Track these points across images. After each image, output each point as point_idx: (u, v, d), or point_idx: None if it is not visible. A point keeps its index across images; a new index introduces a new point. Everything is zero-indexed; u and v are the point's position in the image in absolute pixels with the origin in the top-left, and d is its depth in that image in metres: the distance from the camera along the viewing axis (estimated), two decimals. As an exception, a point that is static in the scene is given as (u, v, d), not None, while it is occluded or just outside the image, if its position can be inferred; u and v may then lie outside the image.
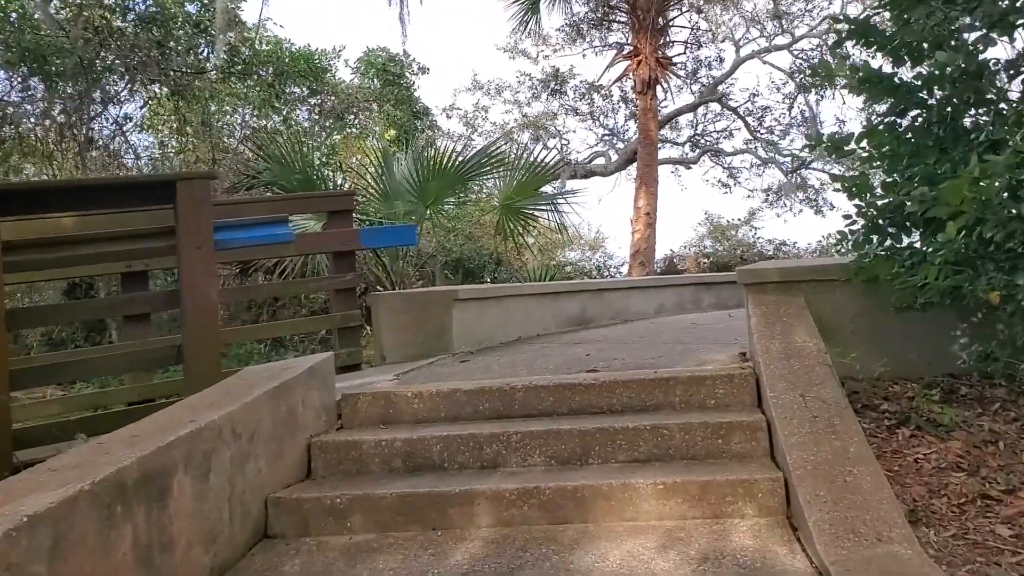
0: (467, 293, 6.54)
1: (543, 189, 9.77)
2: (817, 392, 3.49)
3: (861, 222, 4.12)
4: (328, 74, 13.63)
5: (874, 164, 4.19)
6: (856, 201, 4.11)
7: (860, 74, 4.11)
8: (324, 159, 10.23)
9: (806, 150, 3.92)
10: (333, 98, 14.83)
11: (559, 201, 9.39)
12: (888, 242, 4.11)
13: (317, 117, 14.18)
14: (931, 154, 4.01)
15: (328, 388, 4.08)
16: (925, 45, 4.09)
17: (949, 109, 4.08)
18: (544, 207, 9.24)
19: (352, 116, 15.13)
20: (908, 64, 4.18)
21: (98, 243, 4.73)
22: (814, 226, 19.82)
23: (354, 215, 8.93)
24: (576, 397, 3.94)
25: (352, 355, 5.80)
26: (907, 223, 4.05)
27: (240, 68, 7.93)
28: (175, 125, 10.22)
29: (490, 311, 7.06)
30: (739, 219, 23.42)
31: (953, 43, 4.03)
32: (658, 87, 13.64)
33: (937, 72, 4.01)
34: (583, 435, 3.58)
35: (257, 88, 8.86)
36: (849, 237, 4.17)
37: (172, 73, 8.51)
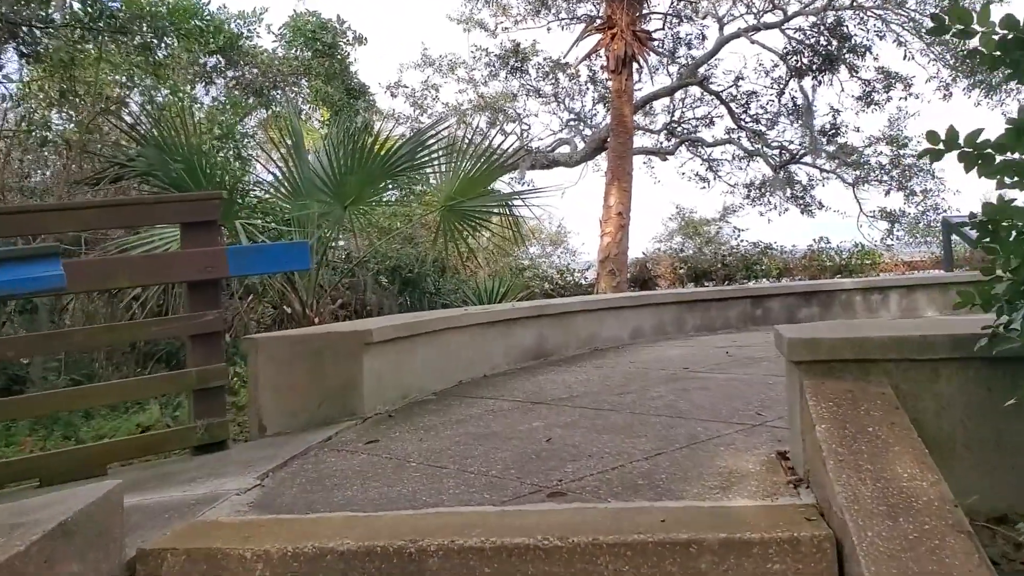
0: (386, 332, 4.97)
1: (497, 185, 8.19)
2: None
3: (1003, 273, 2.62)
4: (245, 40, 11.87)
5: None
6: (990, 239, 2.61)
7: None
8: (237, 144, 8.51)
9: (925, 157, 2.26)
10: (255, 71, 13.06)
11: (515, 203, 7.83)
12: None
13: (236, 93, 12.40)
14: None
15: (107, 548, 2.48)
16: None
17: None
18: (496, 209, 7.69)
19: (278, 93, 13.37)
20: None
21: None
22: (799, 226, 18.53)
23: (261, 218, 7.29)
24: (530, 570, 2.40)
25: (213, 429, 4.20)
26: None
27: (105, 23, 6.27)
28: (41, 96, 8.47)
29: (420, 352, 5.51)
30: (715, 215, 22.20)
31: None
32: (634, 65, 12.17)
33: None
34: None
35: (137, 51, 7.18)
36: (975, 293, 2.67)
37: (22, 31, 6.79)
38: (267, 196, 7.12)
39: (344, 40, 12.68)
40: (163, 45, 7.23)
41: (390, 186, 7.11)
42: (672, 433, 3.86)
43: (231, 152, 7.19)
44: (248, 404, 4.66)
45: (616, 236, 11.76)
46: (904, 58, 14.19)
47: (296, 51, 12.62)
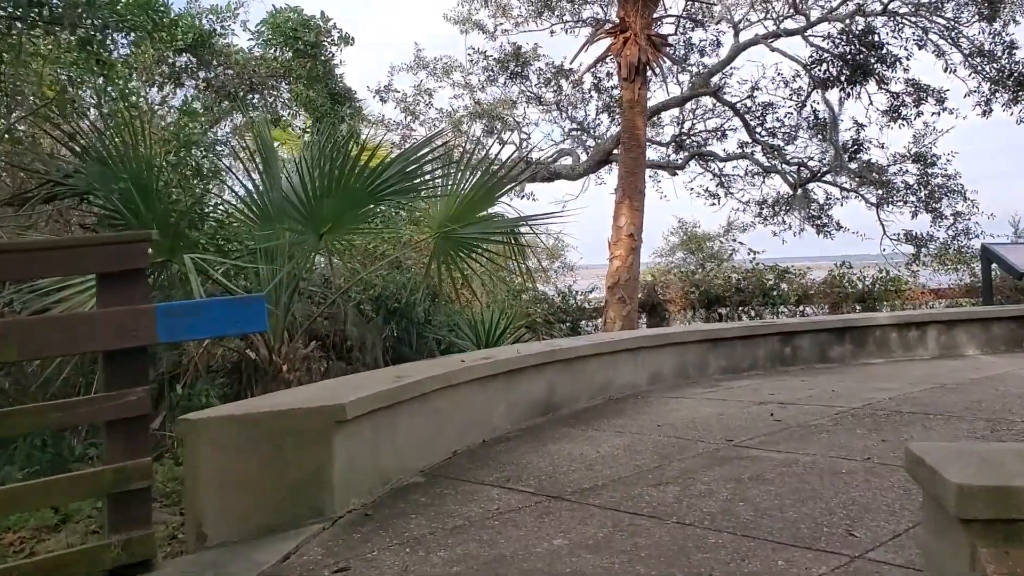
0: (362, 405, 4.04)
1: (498, 205, 7.30)
2: None
3: None
4: (218, 38, 10.93)
5: None
6: None
7: None
8: (202, 155, 7.57)
9: None
10: (229, 72, 12.11)
11: (520, 228, 6.94)
12: None
13: (204, 96, 11.44)
14: None
15: None
16: None
17: None
18: (498, 237, 6.78)
19: (255, 97, 12.42)
20: None
21: None
22: (813, 246, 17.73)
23: (228, 244, 6.32)
24: None
25: (134, 546, 3.25)
26: None
27: (31, 10, 5.33)
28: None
29: (405, 422, 4.60)
30: (720, 228, 21.39)
31: None
32: (649, 73, 11.28)
33: None
34: None
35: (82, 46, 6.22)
36: None
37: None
38: (231, 221, 6.16)
39: (328, 40, 11.75)
40: (113, 41, 6.33)
41: (376, 211, 6.17)
42: (745, 570, 2.93)
43: (189, 167, 6.23)
44: (185, 505, 3.70)
45: (627, 260, 10.86)
46: (945, 70, 13.39)
47: (275, 51, 11.70)
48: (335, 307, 8.82)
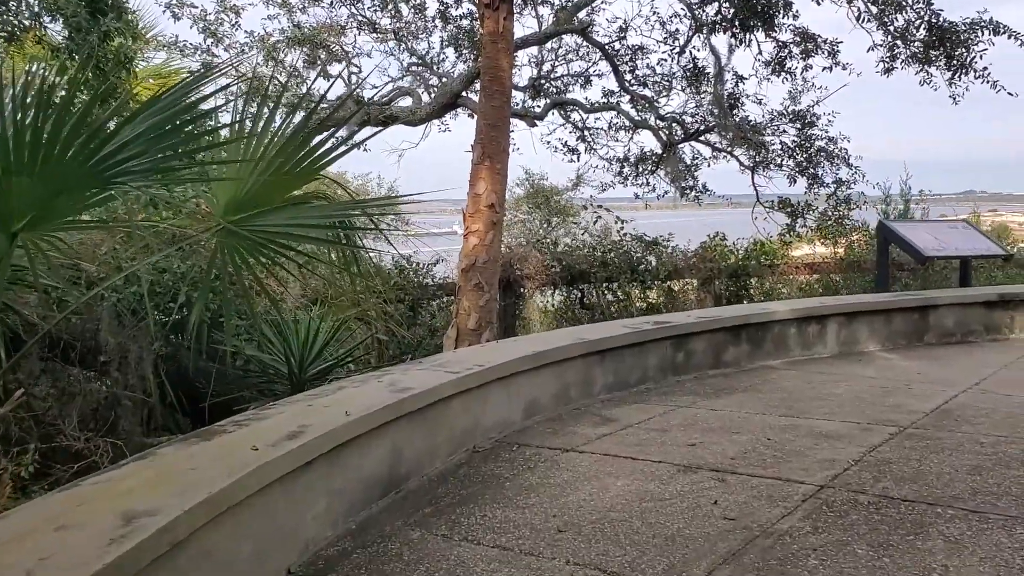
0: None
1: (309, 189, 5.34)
2: None
3: None
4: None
5: None
6: None
7: None
8: None
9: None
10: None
11: (353, 216, 4.99)
12: None
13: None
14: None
15: None
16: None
17: None
18: (320, 231, 4.82)
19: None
20: None
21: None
22: (680, 216, 16.76)
23: None
24: None
25: None
26: None
27: None
28: None
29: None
30: (568, 182, 20.34)
31: None
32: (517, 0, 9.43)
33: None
34: None
35: None
36: None
37: None
38: None
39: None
40: None
41: (101, 196, 3.98)
42: None
43: None
44: None
45: (486, 236, 9.08)
46: (859, 19, 12.26)
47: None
48: (86, 310, 6.52)
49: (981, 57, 11.74)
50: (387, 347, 9.53)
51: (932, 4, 11.55)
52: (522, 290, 12.67)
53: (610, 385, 7.05)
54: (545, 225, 24.82)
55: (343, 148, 4.73)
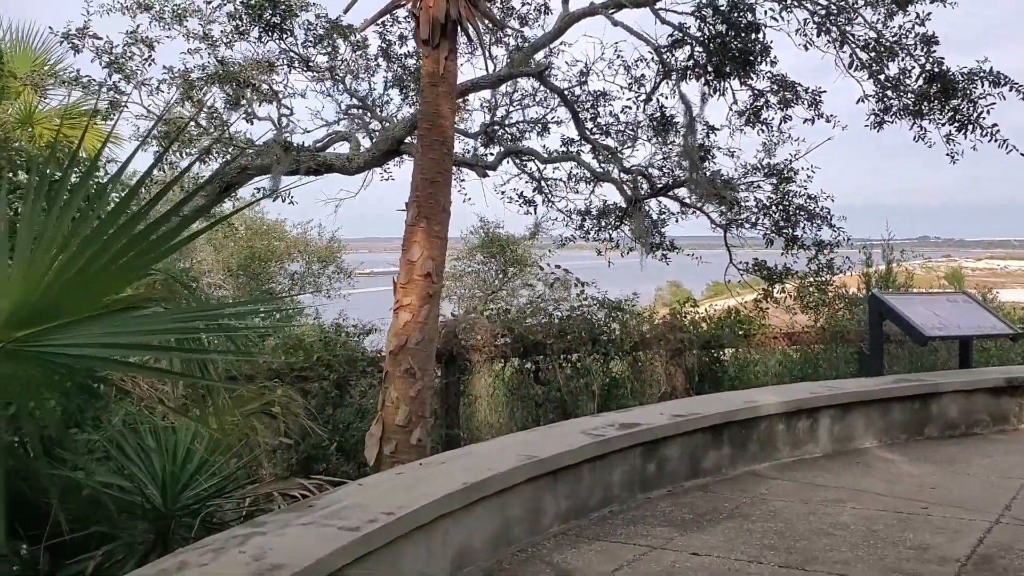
0: None
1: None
2: None
3: None
4: None
5: None
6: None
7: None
8: None
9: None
10: None
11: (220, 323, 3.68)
12: None
13: None
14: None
15: None
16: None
17: None
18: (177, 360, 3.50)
19: None
20: None
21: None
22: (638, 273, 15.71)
23: None
24: None
25: None
26: None
27: None
28: None
29: None
30: (526, 231, 19.53)
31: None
32: (462, 38, 8.28)
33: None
34: None
35: None
36: None
37: None
38: None
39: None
40: None
41: None
42: None
43: None
44: None
45: (420, 311, 7.82)
46: (851, 66, 11.31)
47: None
48: None
49: (989, 112, 10.87)
50: (296, 449, 8.16)
51: (934, 51, 10.68)
52: (467, 364, 11.38)
53: (564, 513, 5.80)
54: (501, 275, 23.69)
55: (198, 225, 3.45)
